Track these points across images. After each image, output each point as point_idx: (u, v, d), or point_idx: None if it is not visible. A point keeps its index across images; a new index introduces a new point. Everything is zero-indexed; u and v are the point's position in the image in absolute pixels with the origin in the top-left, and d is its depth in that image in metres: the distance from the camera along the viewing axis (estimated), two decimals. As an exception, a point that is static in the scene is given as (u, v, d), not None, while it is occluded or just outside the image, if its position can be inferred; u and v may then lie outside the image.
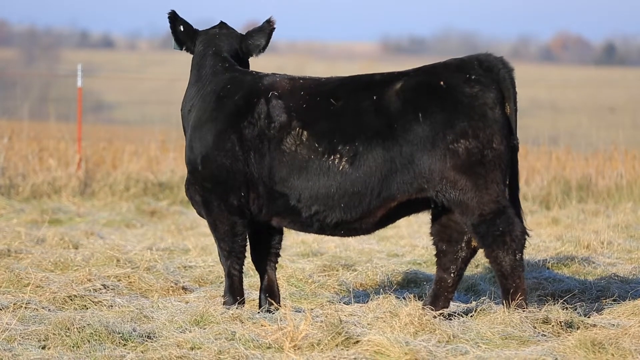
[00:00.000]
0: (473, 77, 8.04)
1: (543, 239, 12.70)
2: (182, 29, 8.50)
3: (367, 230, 8.26)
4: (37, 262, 10.28)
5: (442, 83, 8.04)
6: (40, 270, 9.89)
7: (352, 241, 12.46)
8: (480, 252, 8.33)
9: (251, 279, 9.98)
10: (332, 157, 8.00)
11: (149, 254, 10.60)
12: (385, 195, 8.00)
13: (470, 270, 10.22)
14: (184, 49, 8.55)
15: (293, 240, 12.33)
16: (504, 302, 8.06)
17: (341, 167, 7.99)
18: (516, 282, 8.04)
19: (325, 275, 9.92)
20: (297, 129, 8.04)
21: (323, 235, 8.57)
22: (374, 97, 8.07)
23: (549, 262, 10.71)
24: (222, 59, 8.44)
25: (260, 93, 8.17)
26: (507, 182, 8.13)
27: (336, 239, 12.28)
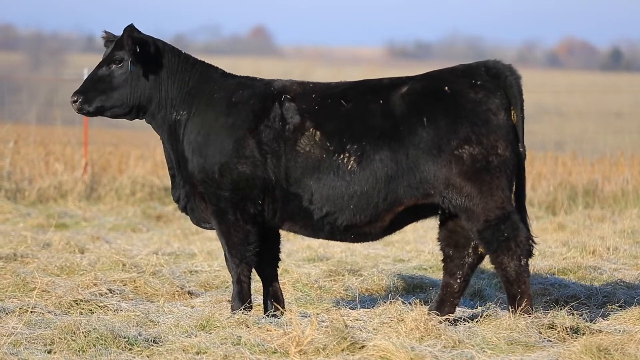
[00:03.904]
0: (478, 82, 8.09)
1: (549, 245, 12.72)
2: (139, 50, 8.27)
3: (376, 236, 8.30)
4: (43, 266, 10.32)
5: (446, 88, 8.09)
6: (46, 275, 9.93)
7: (357, 246, 12.48)
8: (487, 259, 8.37)
9: (257, 283, 10.01)
10: (341, 156, 8.07)
11: (154, 259, 10.67)
12: (392, 199, 8.06)
13: (476, 276, 10.23)
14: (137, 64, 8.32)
15: (299, 245, 12.39)
16: (510, 307, 8.10)
17: (350, 166, 8.06)
18: (521, 288, 8.07)
19: (331, 280, 9.94)
20: (311, 129, 8.12)
21: (332, 241, 8.60)
22: (381, 101, 8.13)
23: (554, 268, 10.75)
24: (209, 65, 8.45)
25: (274, 97, 8.21)
26: (513, 189, 8.16)
27: (342, 244, 12.31)
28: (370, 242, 8.58)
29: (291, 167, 8.11)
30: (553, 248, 12.38)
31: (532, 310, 8.07)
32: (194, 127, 8.27)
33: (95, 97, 8.30)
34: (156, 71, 8.34)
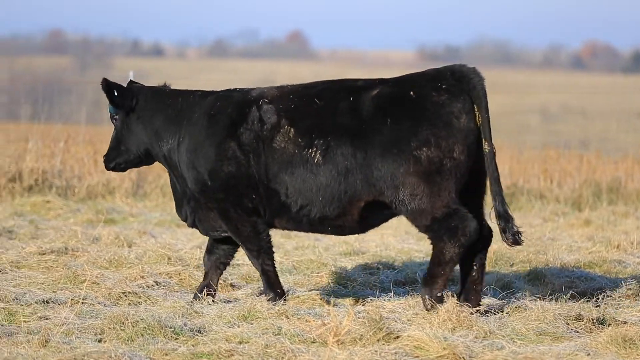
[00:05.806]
0: (443, 86, 8.17)
1: (575, 240, 12.74)
2: (116, 94, 8.76)
3: (353, 229, 8.45)
4: (92, 259, 10.46)
5: (412, 93, 8.20)
6: (96, 268, 10.09)
7: (392, 241, 12.55)
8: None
9: (295, 276, 10.14)
10: (309, 151, 8.25)
11: (198, 252, 10.75)
12: (351, 192, 8.22)
13: (505, 269, 10.33)
14: (120, 109, 8.79)
15: (335, 240, 12.45)
16: (424, 285, 8.15)
17: (316, 160, 8.24)
18: (445, 270, 8.11)
19: (366, 274, 10.07)
20: (285, 126, 8.33)
21: (316, 233, 8.67)
22: (351, 99, 8.29)
23: (581, 262, 10.82)
24: (188, 91, 8.78)
25: (251, 103, 8.47)
26: (462, 189, 8.15)
27: (376, 239, 12.43)
28: (355, 235, 8.62)
29: (269, 163, 8.33)
30: (579, 243, 12.42)
31: (443, 294, 8.09)
32: (184, 147, 8.60)
33: (112, 155, 8.91)
34: (139, 116, 8.75)
